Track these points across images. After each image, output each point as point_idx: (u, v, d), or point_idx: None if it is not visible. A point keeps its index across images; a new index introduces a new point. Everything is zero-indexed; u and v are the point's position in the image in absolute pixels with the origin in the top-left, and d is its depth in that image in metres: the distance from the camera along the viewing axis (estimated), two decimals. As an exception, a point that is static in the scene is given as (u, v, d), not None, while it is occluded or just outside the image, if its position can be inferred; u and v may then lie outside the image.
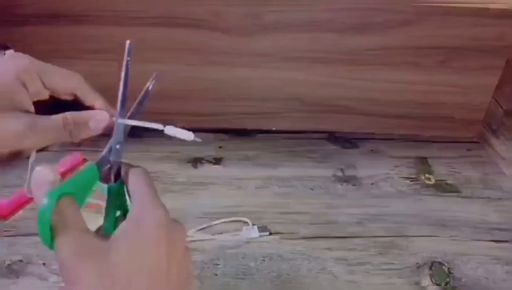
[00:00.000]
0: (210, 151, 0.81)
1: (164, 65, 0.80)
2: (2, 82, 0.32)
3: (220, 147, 0.83)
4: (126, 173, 0.33)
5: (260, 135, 0.87)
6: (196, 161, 0.78)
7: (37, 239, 0.47)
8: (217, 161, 0.79)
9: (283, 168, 0.78)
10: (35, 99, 0.34)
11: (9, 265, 0.57)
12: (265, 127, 0.89)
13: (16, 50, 0.71)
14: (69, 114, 0.34)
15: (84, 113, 0.34)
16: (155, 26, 0.76)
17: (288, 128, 0.89)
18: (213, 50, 0.78)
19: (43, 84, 0.34)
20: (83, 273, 0.25)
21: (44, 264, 0.57)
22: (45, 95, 0.34)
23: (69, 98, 0.35)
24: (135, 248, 0.27)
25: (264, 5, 0.74)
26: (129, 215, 0.30)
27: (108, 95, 0.88)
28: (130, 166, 0.34)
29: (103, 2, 0.73)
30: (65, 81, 0.35)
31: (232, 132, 0.87)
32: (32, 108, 0.34)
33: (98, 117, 0.35)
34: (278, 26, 0.76)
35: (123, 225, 0.29)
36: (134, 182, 0.32)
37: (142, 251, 0.28)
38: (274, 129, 0.89)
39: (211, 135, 0.86)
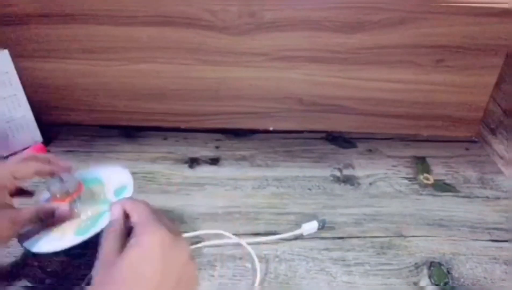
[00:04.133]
0: (207, 151, 0.81)
1: (159, 65, 0.80)
2: None
3: (217, 147, 0.82)
4: (131, 208, 0.40)
5: (257, 135, 0.87)
6: (192, 162, 0.78)
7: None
8: (214, 161, 0.78)
9: (280, 168, 0.77)
10: (13, 192, 0.51)
11: (5, 266, 0.56)
12: (262, 127, 0.89)
13: (11, 51, 0.70)
14: (40, 206, 0.49)
15: (51, 205, 0.51)
16: (151, 25, 0.75)
17: (285, 128, 0.88)
18: (209, 50, 0.78)
19: (14, 177, 0.50)
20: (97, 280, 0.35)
21: (40, 266, 0.56)
22: (14, 184, 0.51)
23: (31, 177, 0.51)
24: (135, 265, 0.34)
25: (260, 4, 0.73)
26: (132, 239, 0.36)
27: (103, 95, 0.88)
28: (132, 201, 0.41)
29: (98, 1, 0.73)
30: (25, 165, 0.51)
31: (229, 132, 0.87)
32: (11, 202, 0.50)
33: (61, 209, 0.50)
34: (275, 25, 0.75)
35: (127, 247, 0.35)
36: (136, 215, 0.39)
37: (141, 267, 0.34)
38: (271, 129, 0.89)
39: (207, 135, 0.86)
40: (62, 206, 0.50)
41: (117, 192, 0.55)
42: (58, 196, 0.52)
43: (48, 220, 0.50)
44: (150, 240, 0.35)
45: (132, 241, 0.36)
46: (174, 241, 0.36)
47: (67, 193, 0.52)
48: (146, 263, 0.34)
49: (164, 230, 0.36)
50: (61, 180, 0.52)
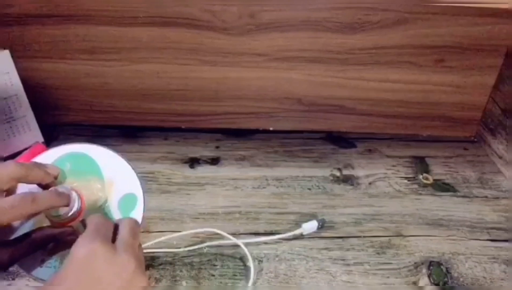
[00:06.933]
0: (207, 151, 0.81)
1: (159, 65, 0.80)
2: None
3: (217, 147, 0.83)
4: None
5: (257, 135, 0.87)
6: (192, 161, 0.78)
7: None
8: (214, 161, 0.79)
9: (280, 168, 0.78)
10: None
11: (4, 266, 0.56)
12: (261, 127, 0.89)
13: (12, 51, 0.70)
14: (38, 233, 0.42)
15: (51, 231, 0.43)
16: (151, 25, 0.75)
17: (285, 128, 0.88)
18: (209, 50, 0.78)
19: None
20: None
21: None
22: None
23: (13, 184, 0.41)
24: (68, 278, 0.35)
25: (260, 4, 0.73)
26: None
27: (103, 95, 0.88)
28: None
29: (99, 2, 0.73)
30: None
31: (229, 132, 0.87)
32: None
33: (64, 236, 0.43)
34: (274, 25, 0.75)
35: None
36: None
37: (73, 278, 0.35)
38: (271, 129, 0.89)
39: (207, 135, 0.86)
40: (65, 232, 0.42)
41: (123, 205, 0.45)
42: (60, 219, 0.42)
43: (48, 246, 0.43)
44: (79, 252, 0.36)
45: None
46: (111, 257, 0.36)
47: (70, 217, 0.42)
48: (74, 276, 0.35)
49: (98, 245, 0.36)
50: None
